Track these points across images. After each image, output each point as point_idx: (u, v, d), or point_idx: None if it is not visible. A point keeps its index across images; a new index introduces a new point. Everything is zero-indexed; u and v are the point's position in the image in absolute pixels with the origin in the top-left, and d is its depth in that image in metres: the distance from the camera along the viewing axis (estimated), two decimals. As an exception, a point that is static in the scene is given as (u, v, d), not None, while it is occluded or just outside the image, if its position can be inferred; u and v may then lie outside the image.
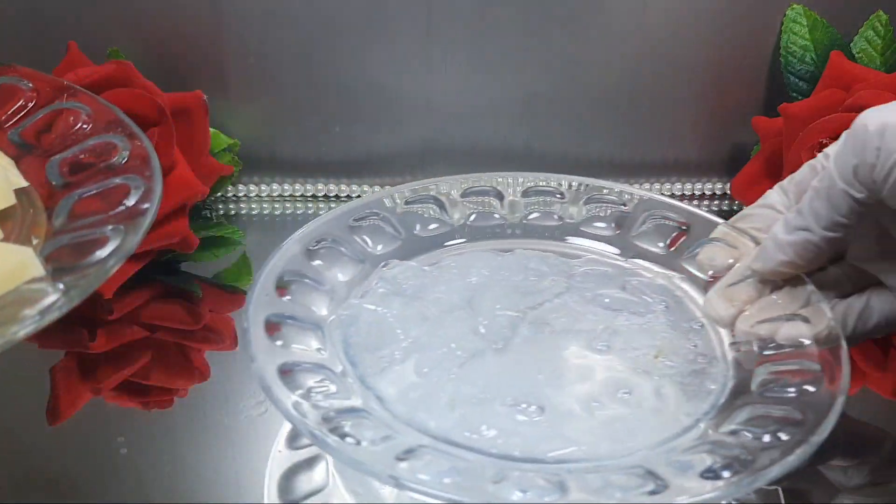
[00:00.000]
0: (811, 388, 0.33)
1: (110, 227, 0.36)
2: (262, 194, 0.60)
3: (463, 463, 0.30)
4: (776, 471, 0.29)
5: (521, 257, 0.44)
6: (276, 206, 0.60)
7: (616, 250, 0.45)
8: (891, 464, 0.39)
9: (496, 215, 0.46)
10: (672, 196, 0.61)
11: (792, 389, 0.33)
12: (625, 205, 0.46)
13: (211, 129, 0.54)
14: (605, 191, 0.47)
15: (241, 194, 0.60)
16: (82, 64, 0.51)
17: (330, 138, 0.59)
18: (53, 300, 0.32)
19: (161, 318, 0.47)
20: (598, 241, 0.46)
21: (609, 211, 0.46)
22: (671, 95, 0.60)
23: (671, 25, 0.57)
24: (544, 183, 0.47)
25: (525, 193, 0.47)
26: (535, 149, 0.60)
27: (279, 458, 0.36)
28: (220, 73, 0.57)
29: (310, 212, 0.59)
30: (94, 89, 0.49)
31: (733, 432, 0.32)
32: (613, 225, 0.46)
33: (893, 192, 0.33)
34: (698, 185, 0.63)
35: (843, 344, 0.34)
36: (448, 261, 0.43)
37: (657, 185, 0.62)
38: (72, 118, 0.44)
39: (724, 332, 0.39)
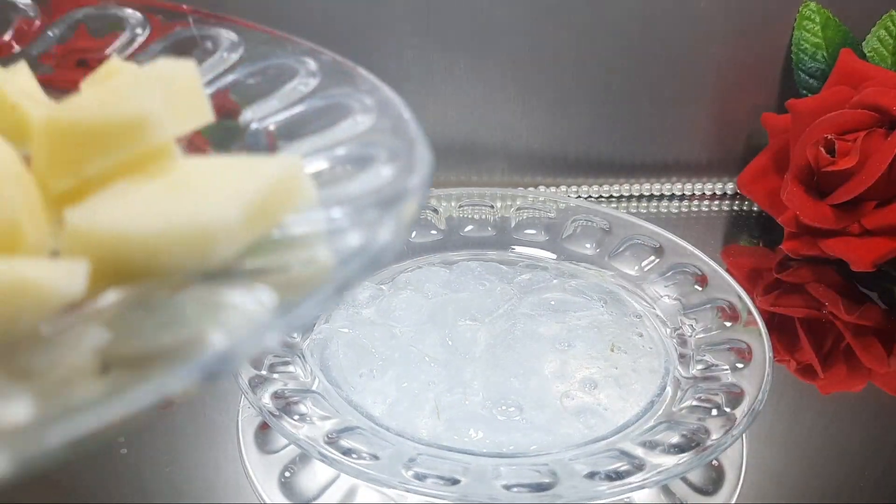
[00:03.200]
0: (743, 364, 0.37)
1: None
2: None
3: (460, 465, 0.32)
4: (729, 440, 0.32)
5: (465, 269, 0.46)
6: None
7: (551, 255, 0.49)
8: None
9: (433, 231, 0.49)
10: (683, 196, 0.61)
11: (726, 366, 0.37)
12: (549, 212, 0.50)
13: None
14: (530, 199, 0.50)
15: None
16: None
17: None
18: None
19: (160, 319, 0.47)
20: (532, 247, 0.49)
21: (538, 218, 0.50)
22: (682, 93, 0.59)
23: (682, 22, 0.57)
24: (477, 195, 0.51)
25: (460, 207, 0.51)
26: (536, 149, 0.60)
27: (280, 457, 0.36)
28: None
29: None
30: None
31: (688, 409, 0.35)
32: (543, 231, 0.50)
33: None
34: (708, 185, 0.62)
35: (761, 320, 0.39)
36: (401, 278, 0.45)
37: (668, 185, 0.62)
38: (209, 44, 0.33)
39: (660, 321, 0.43)
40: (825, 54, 0.57)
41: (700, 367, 0.39)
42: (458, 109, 0.59)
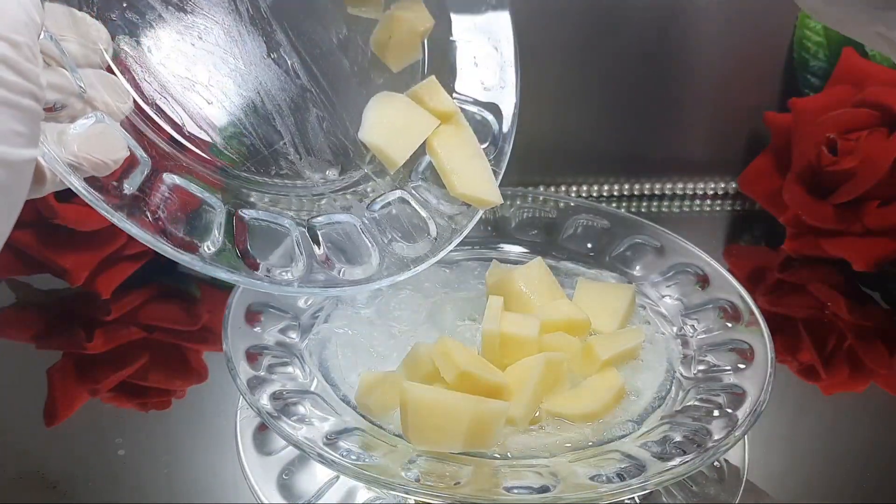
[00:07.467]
0: (744, 364, 0.37)
1: None
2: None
3: (460, 466, 0.32)
4: (731, 441, 0.32)
5: (465, 269, 0.46)
6: (276, 206, 0.59)
7: (550, 254, 0.48)
8: None
9: None
10: (684, 196, 0.61)
11: (728, 367, 0.37)
12: (550, 212, 0.49)
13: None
14: (530, 198, 0.50)
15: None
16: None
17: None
18: None
19: (159, 319, 0.47)
20: (531, 246, 0.49)
21: (537, 217, 0.50)
22: (683, 92, 0.59)
23: (684, 21, 0.57)
24: None
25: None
26: (536, 149, 0.60)
27: (278, 458, 0.36)
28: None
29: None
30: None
31: (689, 410, 0.35)
32: (544, 231, 0.49)
33: None
34: (710, 185, 0.62)
35: (763, 321, 0.38)
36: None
37: (669, 185, 0.62)
38: None
39: (663, 320, 0.43)
40: (827, 53, 0.56)
41: (702, 367, 0.38)
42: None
